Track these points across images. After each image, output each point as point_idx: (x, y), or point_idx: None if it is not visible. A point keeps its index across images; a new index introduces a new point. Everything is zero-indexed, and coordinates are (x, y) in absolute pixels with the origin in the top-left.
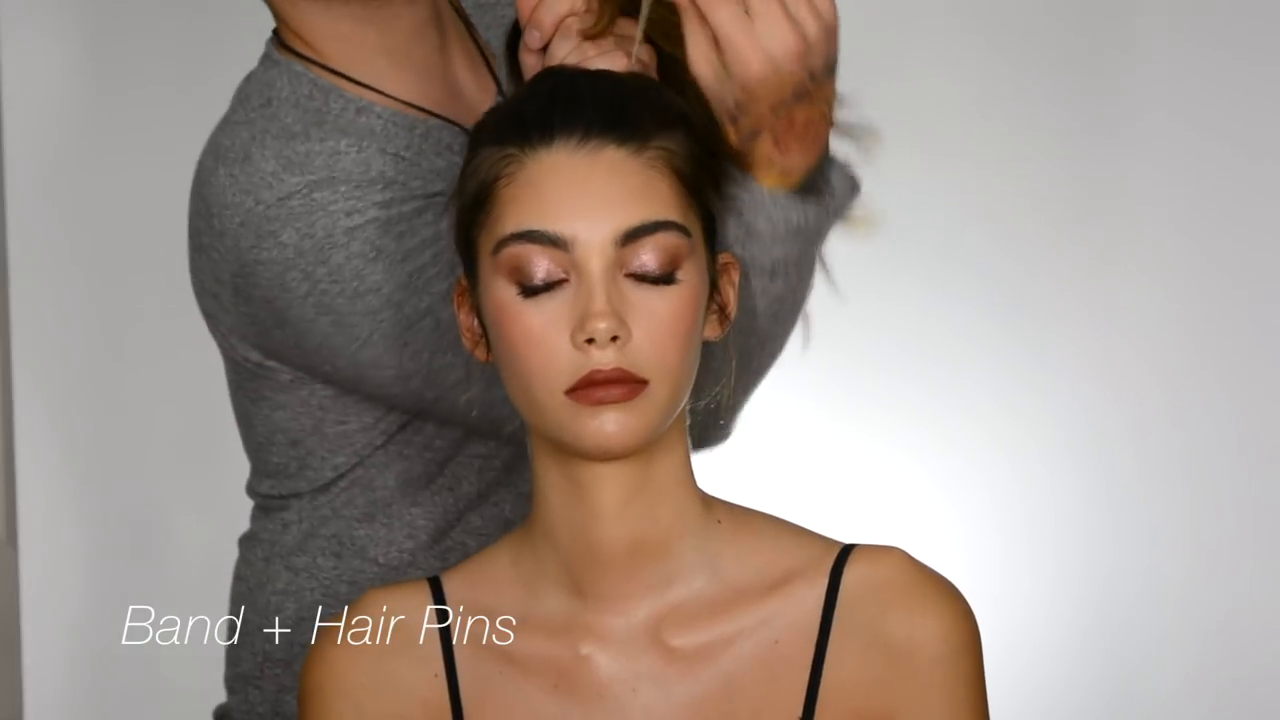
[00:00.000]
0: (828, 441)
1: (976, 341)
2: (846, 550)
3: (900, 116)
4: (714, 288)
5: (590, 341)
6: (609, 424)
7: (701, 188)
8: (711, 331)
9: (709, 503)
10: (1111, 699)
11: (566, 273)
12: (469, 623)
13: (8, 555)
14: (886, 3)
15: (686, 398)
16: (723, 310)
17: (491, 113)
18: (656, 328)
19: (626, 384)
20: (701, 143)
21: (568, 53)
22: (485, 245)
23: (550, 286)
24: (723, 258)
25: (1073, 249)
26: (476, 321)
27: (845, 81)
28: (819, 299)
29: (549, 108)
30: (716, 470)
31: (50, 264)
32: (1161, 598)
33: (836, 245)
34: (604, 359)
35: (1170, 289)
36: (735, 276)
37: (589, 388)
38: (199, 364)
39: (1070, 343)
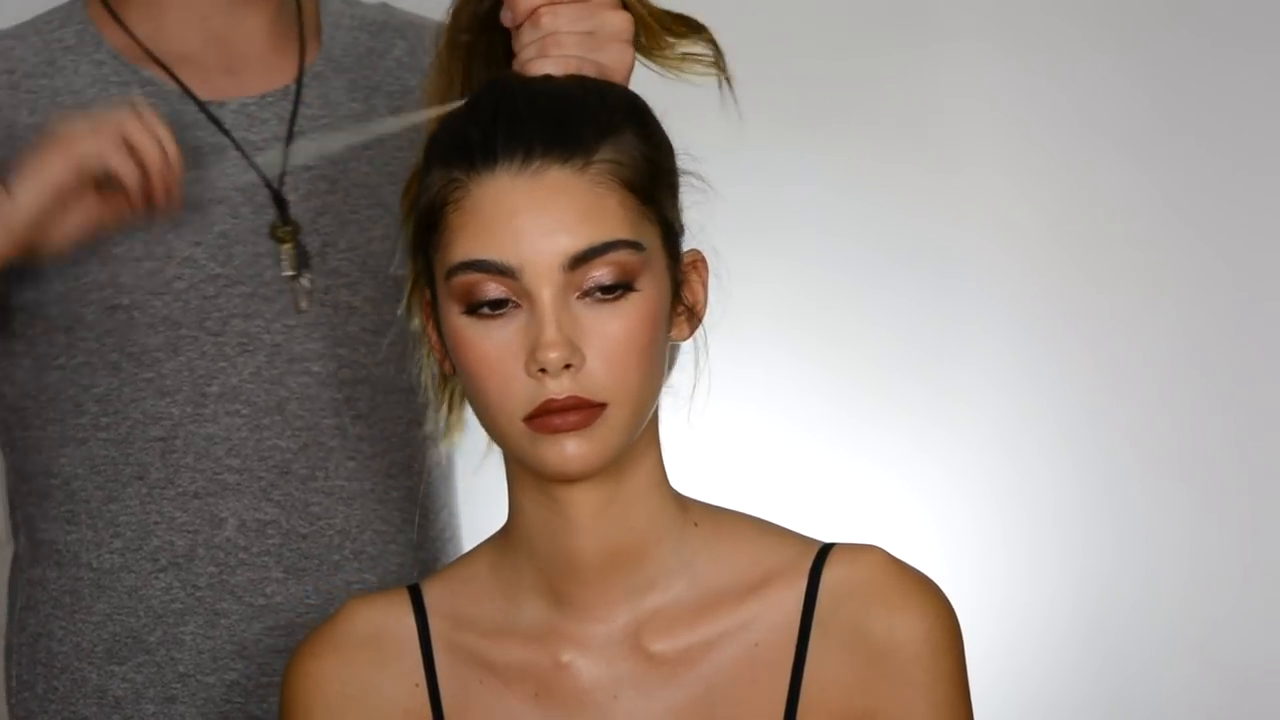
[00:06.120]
0: (829, 440)
1: (976, 341)
2: (825, 549)
3: (899, 117)
4: (679, 289)
5: (543, 370)
6: (569, 450)
7: (655, 194)
8: (680, 333)
9: (685, 505)
10: (1110, 700)
11: (518, 298)
12: (449, 632)
13: (7, 555)
14: (889, 6)
15: (654, 408)
16: (691, 310)
17: (443, 127)
18: (611, 349)
19: (582, 410)
20: (653, 141)
21: (529, 43)
22: (439, 270)
23: (502, 313)
24: (688, 256)
25: (1070, 251)
26: (440, 337)
27: (848, 83)
28: (810, 301)
29: (491, 129)
30: (700, 473)
31: None
32: (1160, 600)
33: (835, 248)
34: (558, 387)
35: (1168, 291)
36: (704, 274)
37: (545, 415)
38: None
39: (1069, 344)
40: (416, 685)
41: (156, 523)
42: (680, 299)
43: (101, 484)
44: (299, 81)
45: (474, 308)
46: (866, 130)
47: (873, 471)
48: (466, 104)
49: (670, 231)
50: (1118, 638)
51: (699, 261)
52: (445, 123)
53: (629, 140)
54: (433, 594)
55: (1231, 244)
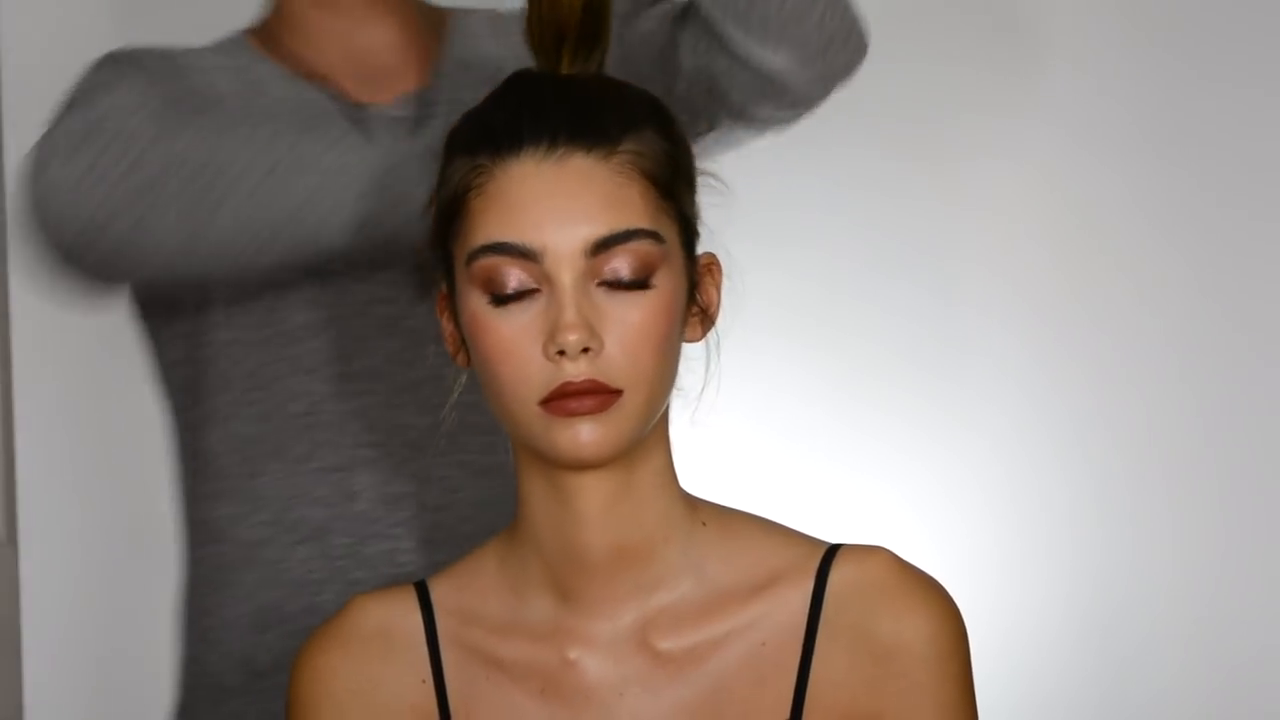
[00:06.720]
0: (821, 443)
1: (969, 346)
2: (832, 550)
3: (897, 117)
4: (694, 290)
5: (561, 353)
6: (583, 435)
7: (675, 189)
8: (693, 334)
9: (694, 505)
10: (1101, 700)
11: (538, 283)
12: (456, 628)
13: (8, 555)
14: (893, 14)
15: (666, 403)
16: (705, 312)
17: (465, 119)
18: (629, 336)
19: (599, 395)
20: (674, 139)
21: None
22: (459, 256)
23: (522, 297)
24: (704, 258)
25: (1068, 254)
26: (455, 329)
27: (845, 93)
28: (812, 304)
29: (517, 117)
30: (701, 473)
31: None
32: (1150, 598)
33: (835, 259)
34: (576, 370)
35: (1157, 304)
36: (718, 277)
37: (562, 399)
38: None
39: (1061, 355)
40: (423, 681)
41: (296, 496)
42: (694, 300)
43: (245, 459)
44: (428, 84)
45: (494, 292)
46: (866, 142)
47: (866, 478)
48: (489, 96)
49: (688, 229)
50: (1108, 639)
51: (714, 264)
52: (467, 115)
53: (650, 135)
54: (439, 590)
55: (1221, 255)
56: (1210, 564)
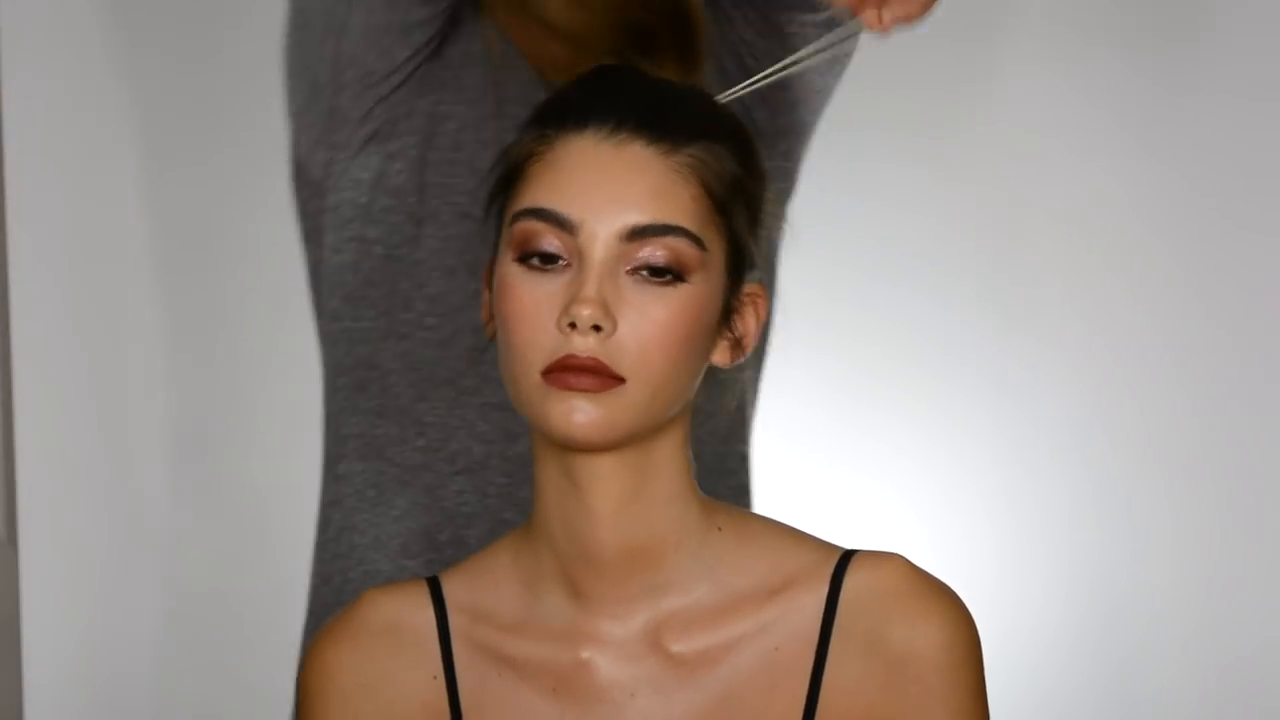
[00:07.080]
0: (821, 445)
1: (970, 349)
2: (847, 556)
3: (897, 120)
4: (730, 314)
5: (573, 326)
6: (577, 412)
7: (731, 208)
8: (720, 357)
9: (709, 510)
10: (1100, 698)
11: (570, 257)
12: (468, 625)
13: (8, 555)
14: None
15: (676, 407)
16: (739, 341)
17: (547, 98)
18: (645, 329)
19: (600, 376)
20: (747, 166)
21: None
22: (506, 218)
23: (552, 266)
24: (750, 288)
25: (1065, 259)
26: (492, 297)
27: (844, 83)
28: (816, 305)
29: (591, 96)
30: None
31: (51, 261)
32: (1147, 599)
33: (833, 250)
34: (582, 345)
35: (1150, 304)
36: (761, 310)
37: (562, 371)
38: (201, 363)
39: (1061, 351)
40: (434, 678)
41: (458, 427)
42: (729, 324)
43: (415, 381)
44: None
45: (526, 256)
46: (866, 151)
47: (866, 480)
48: (576, 78)
49: (737, 252)
50: (1106, 639)
51: (758, 295)
52: (550, 95)
53: (722, 152)
54: (451, 585)
55: (1215, 258)
56: (1207, 564)
